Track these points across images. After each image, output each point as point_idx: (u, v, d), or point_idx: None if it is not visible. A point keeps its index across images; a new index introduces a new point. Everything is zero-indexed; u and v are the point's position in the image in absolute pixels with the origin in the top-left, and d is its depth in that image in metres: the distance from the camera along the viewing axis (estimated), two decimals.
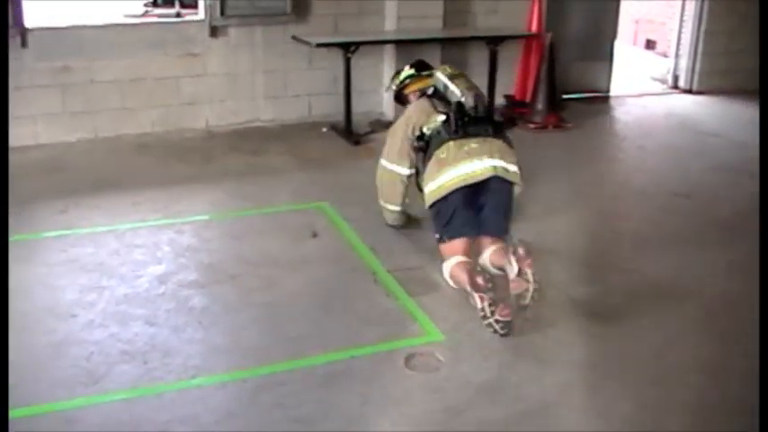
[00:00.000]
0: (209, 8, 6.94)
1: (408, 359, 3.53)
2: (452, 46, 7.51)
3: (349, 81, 6.77)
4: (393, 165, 4.75)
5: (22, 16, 6.46)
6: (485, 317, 3.78)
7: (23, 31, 6.46)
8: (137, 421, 3.14)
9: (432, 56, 7.35)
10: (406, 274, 4.31)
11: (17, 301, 4.09)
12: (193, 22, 7.22)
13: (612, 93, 8.69)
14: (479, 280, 3.91)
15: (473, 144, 4.34)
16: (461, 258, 4.18)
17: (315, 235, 4.82)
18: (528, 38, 7.71)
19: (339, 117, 6.94)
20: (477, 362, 3.55)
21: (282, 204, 5.36)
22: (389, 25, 7.35)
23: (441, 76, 4.76)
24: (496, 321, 3.74)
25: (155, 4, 9.21)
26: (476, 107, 4.52)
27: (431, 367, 3.49)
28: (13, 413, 3.15)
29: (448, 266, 4.22)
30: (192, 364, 3.52)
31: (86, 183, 5.68)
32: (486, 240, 4.35)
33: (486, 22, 7.77)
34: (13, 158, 6.22)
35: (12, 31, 6.38)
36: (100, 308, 3.97)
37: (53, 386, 3.38)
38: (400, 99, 5.21)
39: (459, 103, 4.51)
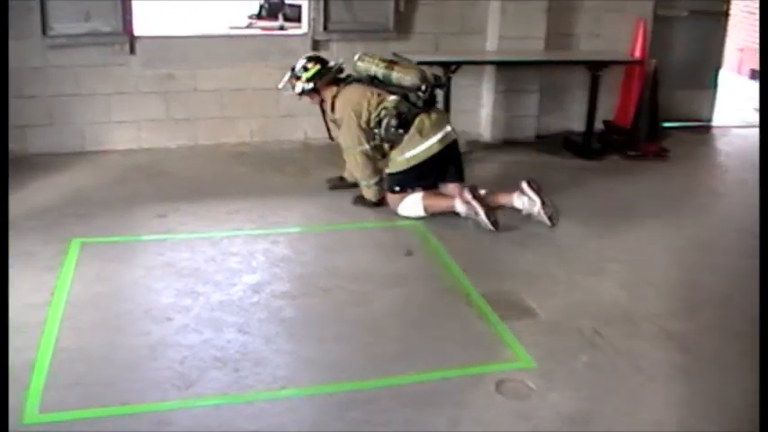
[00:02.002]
0: (312, 22, 7.02)
1: (499, 384, 3.47)
2: (553, 68, 7.44)
3: (448, 100, 6.75)
4: (359, 146, 5.39)
5: (132, 24, 6.64)
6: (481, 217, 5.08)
7: (132, 39, 6.64)
8: (226, 428, 3.16)
9: (531, 77, 7.33)
10: (499, 297, 4.26)
11: (115, 301, 4.21)
12: (296, 35, 7.32)
13: (715, 122, 8.48)
14: (466, 192, 5.16)
15: (434, 116, 5.35)
16: (421, 192, 5.31)
17: (409, 253, 4.80)
18: (631, 63, 7.58)
19: None
20: (569, 392, 3.47)
21: (377, 220, 5.37)
22: (490, 45, 7.31)
23: (373, 67, 5.50)
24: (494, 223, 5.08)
25: (259, 17, 9.36)
26: (426, 88, 5.32)
27: (521, 394, 3.44)
28: (106, 411, 3.25)
29: (414, 201, 5.30)
30: (281, 374, 3.53)
31: (185, 189, 5.79)
32: (451, 187, 5.38)
33: (588, 45, 7.66)
34: (116, 161, 6.41)
35: (121, 39, 6.58)
36: (194, 313, 4.03)
37: (147, 387, 3.43)
38: (310, 93, 5.65)
39: (418, 87, 5.30)
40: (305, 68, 5.59)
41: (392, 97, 5.33)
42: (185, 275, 4.44)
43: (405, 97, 5.33)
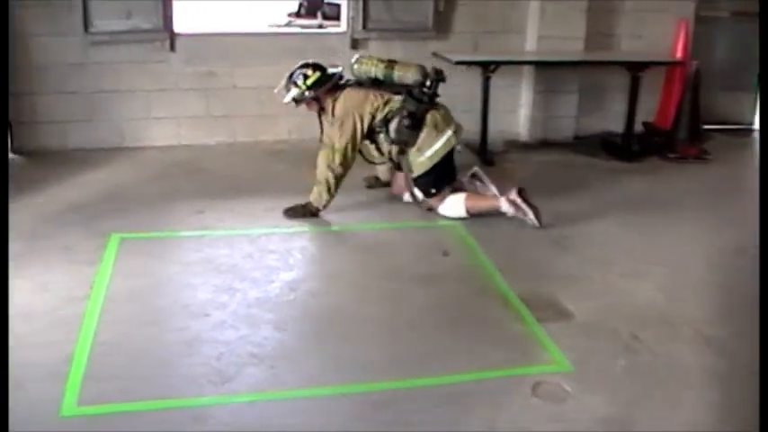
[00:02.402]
0: (351, 21, 7.03)
1: (535, 387, 3.44)
2: (592, 68, 7.39)
3: (487, 100, 6.73)
4: (346, 149, 5.22)
5: (172, 22, 6.70)
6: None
7: (172, 36, 6.71)
8: (262, 424, 3.17)
9: (570, 77, 7.28)
10: (536, 298, 4.22)
11: (153, 296, 4.24)
12: (335, 33, 7.33)
13: (757, 125, 8.37)
14: (513, 192, 5.21)
15: (441, 110, 5.34)
16: (461, 194, 5.32)
17: (446, 253, 4.79)
18: (672, 65, 7.50)
19: (474, 136, 6.89)
20: (606, 396, 3.43)
21: (413, 220, 5.36)
22: (530, 45, 7.29)
23: (373, 68, 5.39)
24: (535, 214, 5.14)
25: (298, 15, 9.39)
26: (431, 82, 5.26)
27: (558, 397, 3.40)
28: (143, 405, 3.27)
29: (457, 202, 5.29)
30: (316, 372, 3.53)
31: (223, 185, 5.82)
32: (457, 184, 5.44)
33: (629, 46, 7.60)
34: (155, 157, 6.46)
35: (161, 36, 6.64)
36: (231, 309, 4.04)
37: (183, 382, 3.45)
38: (308, 101, 5.44)
39: (422, 83, 5.25)
40: (305, 76, 5.40)
41: (398, 97, 5.29)
42: (223, 272, 4.46)
43: (410, 95, 5.27)
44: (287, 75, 5.46)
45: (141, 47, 6.66)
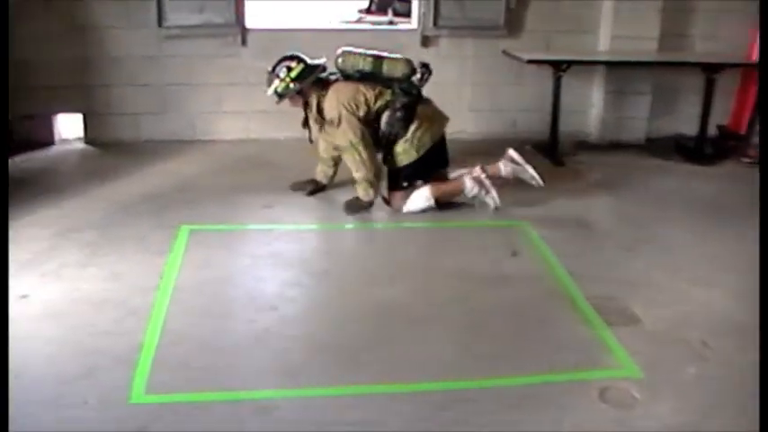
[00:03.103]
0: (422, 17, 7.01)
1: (603, 392, 3.39)
2: (666, 69, 7.26)
3: (558, 100, 6.66)
4: (363, 140, 5.18)
5: (244, 17, 6.76)
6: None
7: (244, 31, 6.77)
8: (325, 419, 3.18)
9: (643, 78, 7.17)
10: (605, 303, 4.16)
11: (222, 288, 4.29)
12: (406, 30, 7.33)
13: None
14: (477, 169, 5.36)
15: (430, 104, 5.37)
16: (426, 185, 5.29)
17: (515, 254, 4.75)
18: (748, 67, 7.34)
19: (544, 135, 6.84)
20: (675, 403, 3.36)
21: (482, 219, 5.32)
22: (602, 45, 7.19)
23: (360, 62, 5.25)
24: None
25: (369, 11, 9.40)
26: (422, 74, 5.25)
27: (625, 403, 3.35)
28: (210, 396, 3.30)
29: (422, 194, 5.26)
30: (385, 369, 3.53)
31: (291, 180, 5.84)
32: (442, 174, 5.45)
33: (703, 47, 7.44)
34: (225, 150, 6.53)
35: (233, 30, 6.71)
36: (299, 304, 4.07)
37: (250, 374, 3.48)
38: (293, 95, 5.31)
39: (410, 76, 5.23)
40: (288, 68, 5.26)
41: (389, 90, 5.24)
42: (292, 266, 4.49)
43: (400, 88, 5.23)
44: (270, 69, 5.34)
45: (213, 41, 6.74)
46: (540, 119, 6.98)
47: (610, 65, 7.13)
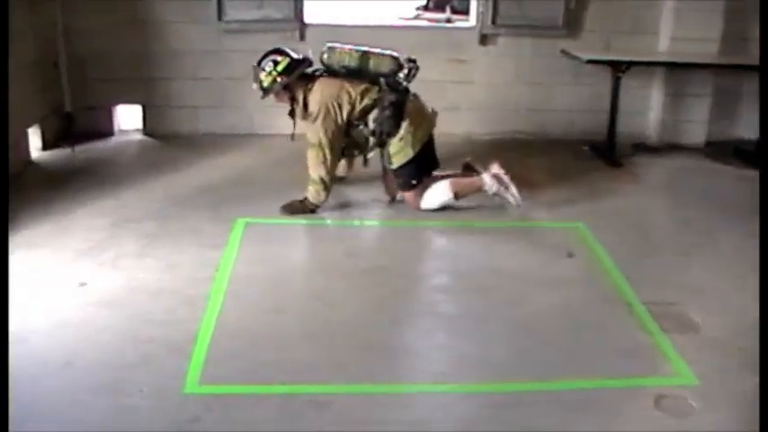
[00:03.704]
0: (480, 16, 6.98)
1: (658, 399, 3.34)
2: (727, 72, 7.13)
3: (616, 101, 6.59)
4: (331, 141, 5.07)
5: (303, 12, 6.78)
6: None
7: (302, 26, 6.80)
8: (379, 417, 3.18)
9: (704, 81, 7.06)
10: (662, 308, 4.10)
11: (275, 281, 4.32)
12: (463, 28, 7.30)
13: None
14: (496, 165, 5.27)
15: (419, 100, 5.28)
16: (443, 180, 5.21)
17: (571, 255, 4.70)
18: None
19: (601, 137, 6.77)
20: (732, 413, 3.30)
21: (537, 220, 5.29)
22: (662, 46, 7.08)
23: (347, 57, 5.15)
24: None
25: (426, 9, 9.36)
26: (410, 69, 5.19)
27: (681, 412, 3.29)
28: (262, 389, 3.33)
29: (442, 189, 5.18)
30: (438, 369, 3.53)
31: (350, 176, 5.85)
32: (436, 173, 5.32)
33: None
34: (282, 145, 6.45)
35: (292, 25, 6.74)
36: (352, 300, 4.08)
37: (302, 368, 3.50)
38: (279, 90, 5.15)
39: (396, 72, 5.16)
40: (274, 62, 5.11)
41: (376, 87, 5.14)
42: (345, 261, 4.51)
43: (387, 85, 5.15)
44: (256, 63, 5.20)
45: (272, 36, 6.73)
46: (598, 120, 6.90)
47: (670, 66, 7.02)
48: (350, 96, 5.09)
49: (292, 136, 5.32)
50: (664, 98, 7.19)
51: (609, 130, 6.67)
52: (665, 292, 4.31)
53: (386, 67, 5.17)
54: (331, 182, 5.16)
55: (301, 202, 5.18)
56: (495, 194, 5.25)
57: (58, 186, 5.55)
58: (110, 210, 5.15)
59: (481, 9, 6.97)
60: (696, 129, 7.26)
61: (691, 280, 4.46)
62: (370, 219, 5.15)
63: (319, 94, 5.08)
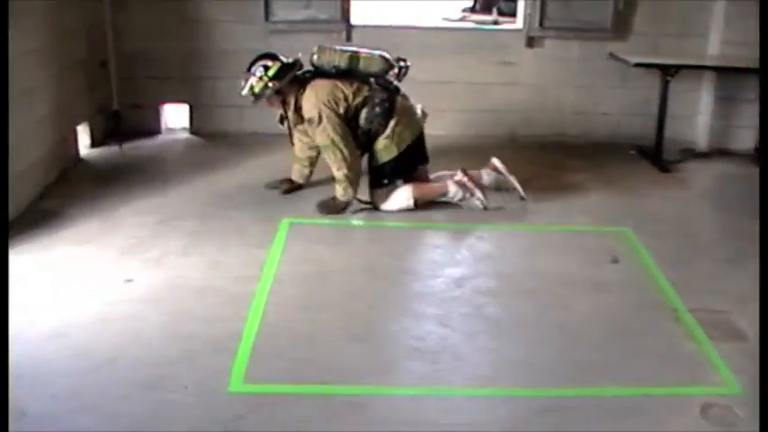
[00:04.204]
0: (527, 18, 6.94)
1: (704, 408, 3.29)
2: None
3: (664, 105, 6.51)
4: (344, 138, 5.05)
5: (349, 13, 6.80)
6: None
7: (348, 27, 6.81)
8: (421, 419, 3.17)
9: (755, 85, 6.93)
10: (709, 316, 4.04)
11: (319, 281, 4.33)
12: (510, 30, 7.27)
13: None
14: (459, 173, 5.24)
15: (408, 99, 5.29)
16: (407, 186, 5.18)
17: (615, 260, 4.65)
18: None
19: (648, 141, 6.68)
20: None
21: (581, 224, 5.23)
22: (712, 49, 6.98)
23: (337, 58, 5.15)
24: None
25: (473, 10, 9.34)
26: (400, 69, 5.25)
27: (727, 422, 3.24)
28: (305, 388, 3.34)
29: (403, 194, 5.15)
30: (480, 372, 3.52)
31: None
32: (422, 171, 5.37)
33: None
34: None
35: (338, 26, 6.76)
36: (394, 301, 4.09)
37: (345, 369, 3.51)
38: (270, 95, 5.17)
39: (386, 70, 5.19)
40: (265, 67, 5.11)
41: (366, 86, 5.14)
42: (389, 263, 4.51)
43: (378, 84, 5.16)
44: (246, 69, 5.21)
45: (318, 36, 6.73)
46: (645, 124, 6.82)
47: (719, 70, 6.92)
48: (344, 94, 5.09)
49: (291, 142, 5.45)
50: (713, 102, 7.09)
51: (657, 134, 6.59)
52: (712, 299, 4.25)
53: (376, 66, 5.19)
54: (356, 177, 5.15)
55: (333, 200, 5.20)
56: (461, 200, 5.25)
57: (105, 183, 5.62)
58: (156, 207, 5.20)
59: (528, 11, 6.93)
60: (745, 134, 7.14)
61: (738, 287, 4.38)
62: (411, 221, 5.13)
63: (314, 97, 5.06)
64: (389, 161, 5.17)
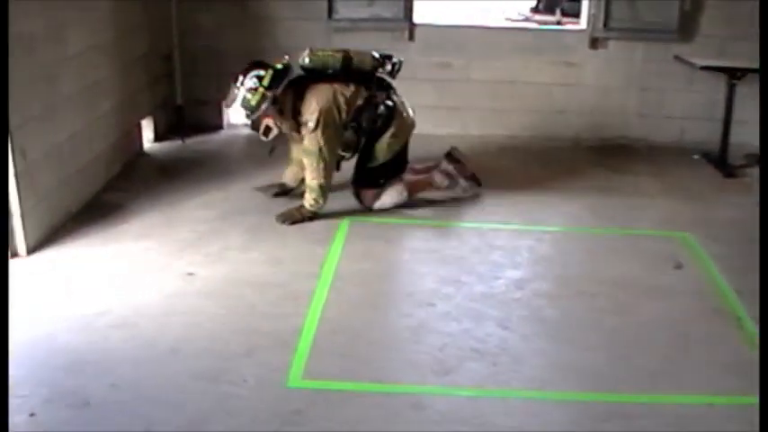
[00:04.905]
0: (591, 18, 6.86)
1: None
2: None
3: (730, 108, 6.39)
4: (332, 148, 4.95)
5: (412, 12, 6.79)
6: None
7: (411, 26, 6.80)
8: (480, 421, 3.16)
9: None
10: None
11: (379, 280, 4.37)
12: (573, 31, 7.20)
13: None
14: (444, 162, 5.38)
15: (401, 96, 5.25)
16: (397, 182, 5.17)
17: (678, 266, 4.57)
18: None
19: (712, 145, 6.57)
20: None
21: (643, 228, 5.15)
22: None
23: (330, 59, 5.01)
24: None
25: (536, 11, 9.29)
26: (393, 65, 5.18)
27: None
28: (364, 386, 3.35)
29: (396, 190, 5.15)
30: (539, 375, 3.49)
31: None
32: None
33: None
34: None
35: (401, 25, 6.75)
36: (456, 302, 4.07)
37: (405, 368, 3.52)
38: (269, 107, 4.89)
39: (377, 67, 5.12)
40: (258, 77, 4.85)
41: (362, 86, 5.05)
42: (449, 263, 4.49)
43: (375, 83, 5.12)
44: (235, 87, 4.92)
45: (381, 35, 6.79)
46: (711, 128, 6.70)
47: None
48: (345, 98, 4.97)
49: (271, 151, 5.24)
50: None
51: (722, 139, 6.47)
52: None
53: (368, 64, 5.11)
54: (329, 188, 5.04)
55: (298, 209, 5.02)
56: (447, 188, 5.36)
57: (167, 177, 5.69)
58: (217, 202, 5.26)
59: (593, 12, 6.85)
60: None
61: None
62: (471, 221, 5.11)
63: (314, 102, 4.90)
64: (390, 160, 5.17)
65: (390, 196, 5.19)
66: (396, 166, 5.22)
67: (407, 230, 5.01)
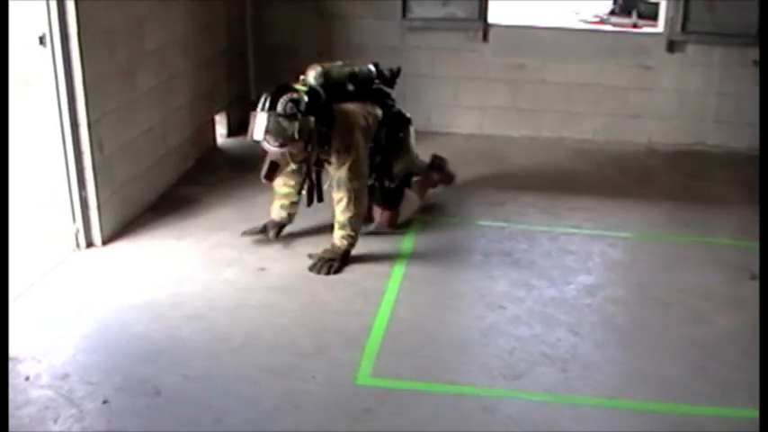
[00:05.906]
0: (669, 21, 6.75)
1: None
2: None
3: None
4: (366, 177, 4.53)
5: (487, 12, 6.75)
6: None
7: (486, 26, 6.76)
8: (548, 426, 3.15)
9: None
10: None
11: (450, 281, 4.36)
12: (650, 34, 7.08)
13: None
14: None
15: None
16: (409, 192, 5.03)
17: (754, 277, 4.47)
18: None
19: None
20: None
21: (721, 237, 5.05)
22: None
23: (341, 77, 4.58)
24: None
25: (612, 13, 9.18)
26: (391, 74, 4.97)
27: None
28: (433, 387, 3.36)
29: (412, 200, 5.05)
30: (610, 383, 3.45)
31: (524, 179, 5.82)
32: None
33: None
34: (458, 144, 6.56)
35: (475, 25, 6.71)
36: (527, 305, 4.05)
37: (475, 371, 3.51)
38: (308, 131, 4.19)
39: (376, 75, 4.85)
40: (293, 102, 4.15)
41: (372, 101, 4.69)
42: (521, 266, 4.47)
43: (384, 100, 4.84)
44: (267, 117, 4.14)
45: (455, 35, 6.77)
46: None
47: None
48: (375, 118, 4.61)
49: (311, 201, 4.58)
50: None
51: None
52: None
53: (369, 75, 4.77)
54: (361, 224, 4.55)
55: (331, 250, 4.41)
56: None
57: (240, 172, 5.72)
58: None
59: (671, 14, 6.73)
60: None
61: None
62: (543, 224, 5.06)
63: (347, 127, 4.38)
64: (408, 174, 4.98)
65: (410, 207, 5.08)
66: (408, 180, 5.02)
67: (478, 231, 4.98)
